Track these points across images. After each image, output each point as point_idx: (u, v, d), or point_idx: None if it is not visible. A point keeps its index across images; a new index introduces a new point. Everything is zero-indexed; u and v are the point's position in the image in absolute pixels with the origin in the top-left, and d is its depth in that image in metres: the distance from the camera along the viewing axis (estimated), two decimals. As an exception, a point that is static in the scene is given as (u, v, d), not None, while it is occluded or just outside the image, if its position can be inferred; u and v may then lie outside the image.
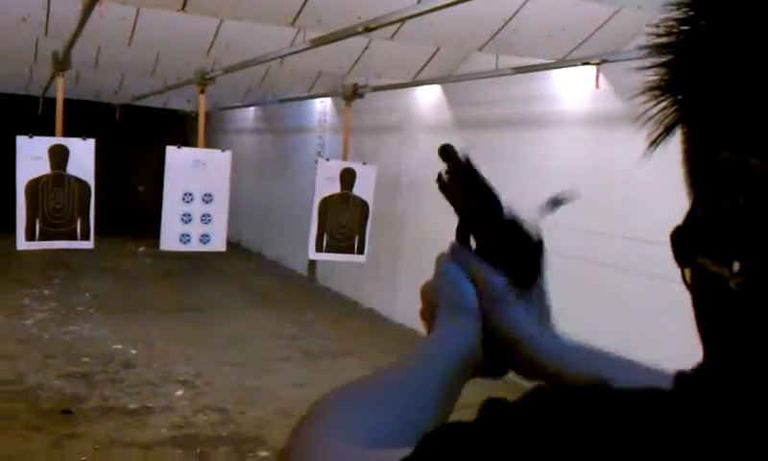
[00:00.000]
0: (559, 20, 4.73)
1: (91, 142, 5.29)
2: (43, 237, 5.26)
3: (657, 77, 0.45)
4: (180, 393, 5.68)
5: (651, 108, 0.45)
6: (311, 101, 10.25)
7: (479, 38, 5.09)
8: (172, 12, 4.99)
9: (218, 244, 5.89)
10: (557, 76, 5.84)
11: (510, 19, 4.64)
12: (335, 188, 6.14)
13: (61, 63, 5.62)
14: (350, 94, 6.50)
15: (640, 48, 0.47)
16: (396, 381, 0.67)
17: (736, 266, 0.40)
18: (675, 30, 0.44)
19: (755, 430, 0.37)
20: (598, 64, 4.95)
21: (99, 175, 5.34)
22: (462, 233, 0.73)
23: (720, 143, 0.41)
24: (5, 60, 7.97)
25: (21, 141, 5.10)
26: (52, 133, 5.26)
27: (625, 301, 5.12)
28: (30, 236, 5.21)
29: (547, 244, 0.70)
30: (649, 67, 0.45)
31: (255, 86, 9.38)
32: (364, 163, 6.31)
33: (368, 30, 4.19)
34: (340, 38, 4.64)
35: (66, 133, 5.27)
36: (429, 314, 0.73)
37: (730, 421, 0.38)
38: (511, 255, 0.69)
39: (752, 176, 0.39)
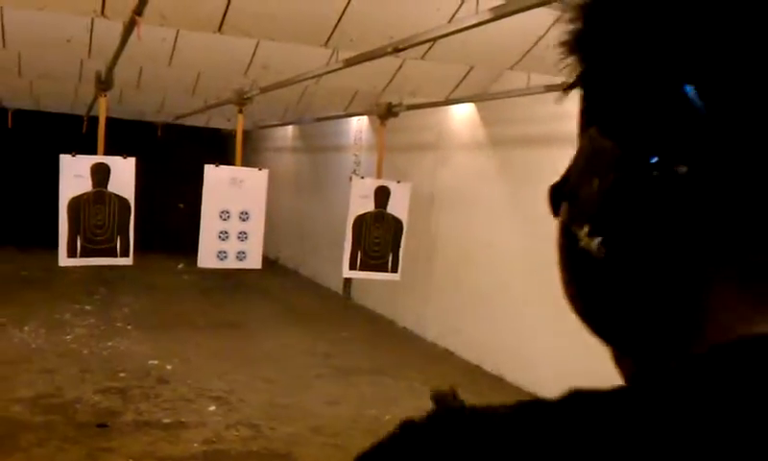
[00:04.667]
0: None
1: (132, 160, 5.41)
2: (84, 254, 5.38)
3: (568, 35, 0.46)
4: (213, 408, 5.74)
5: (564, 58, 0.47)
6: (347, 119, 10.33)
7: (510, 57, 5.09)
8: (210, 34, 5.09)
9: (254, 261, 5.96)
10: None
11: (540, 38, 4.64)
12: (369, 206, 6.18)
13: (104, 83, 5.77)
14: (385, 113, 6.55)
15: (559, 11, 0.48)
16: None
17: (586, 229, 0.44)
18: None
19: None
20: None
21: (140, 192, 5.45)
22: None
23: (594, 119, 0.45)
24: (51, 79, 8.20)
25: (64, 160, 5.23)
26: (96, 152, 5.40)
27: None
28: (71, 253, 5.33)
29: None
30: (566, 27, 0.47)
31: (293, 106, 9.50)
32: (398, 181, 6.34)
33: (397, 50, 4.23)
34: (371, 59, 4.69)
35: (110, 152, 5.39)
36: None
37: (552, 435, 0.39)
38: None
39: (605, 156, 0.43)
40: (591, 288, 0.46)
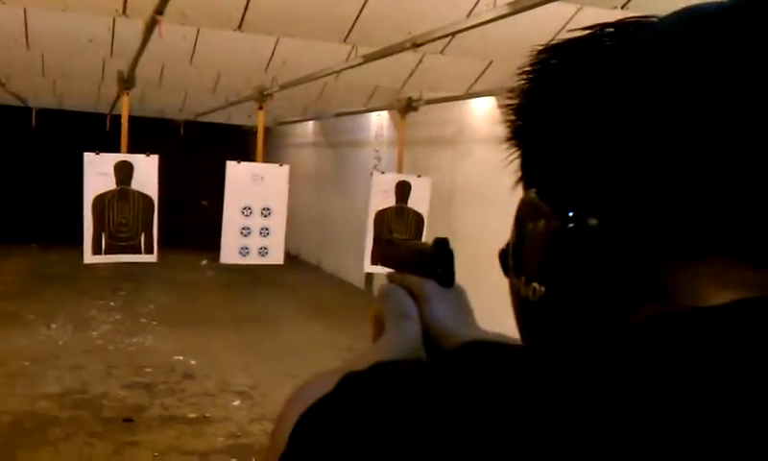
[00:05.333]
0: (610, 31, 4.67)
1: (155, 158, 5.46)
2: (109, 251, 5.44)
3: (507, 131, 0.58)
4: (237, 403, 5.80)
5: (510, 154, 0.58)
6: (367, 115, 10.34)
7: (529, 51, 5.08)
8: (230, 32, 5.12)
9: (276, 257, 6.00)
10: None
11: (560, 31, 4.63)
12: (390, 201, 6.19)
13: (126, 82, 5.83)
14: (405, 108, 6.56)
15: (499, 107, 0.57)
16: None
17: (523, 279, 0.53)
18: (517, 95, 0.57)
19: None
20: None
21: (163, 190, 5.51)
22: (399, 267, 0.87)
23: (532, 185, 0.55)
24: (74, 79, 8.28)
25: (88, 158, 5.29)
26: (119, 150, 5.46)
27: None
28: (96, 250, 5.39)
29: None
30: (505, 122, 0.58)
31: (313, 102, 9.52)
32: (419, 176, 6.35)
33: (416, 45, 4.24)
34: (389, 54, 4.70)
35: (132, 150, 5.44)
36: (380, 332, 0.82)
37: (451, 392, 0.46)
38: (431, 264, 0.82)
39: (538, 212, 0.52)
40: (532, 329, 0.54)
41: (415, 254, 0.86)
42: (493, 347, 0.49)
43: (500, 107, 0.59)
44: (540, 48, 0.57)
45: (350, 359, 0.76)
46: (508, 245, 0.57)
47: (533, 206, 0.53)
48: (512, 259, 0.56)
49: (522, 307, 0.55)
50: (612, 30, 0.53)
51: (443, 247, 0.83)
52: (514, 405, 0.43)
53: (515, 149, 0.58)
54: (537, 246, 0.52)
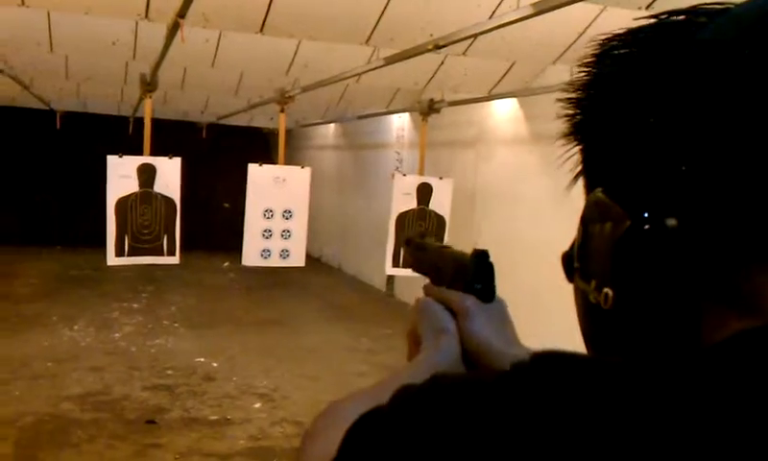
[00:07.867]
0: (635, 31, 4.63)
1: (177, 161, 5.47)
2: (131, 253, 5.45)
3: (567, 126, 0.55)
4: (258, 405, 5.79)
5: (566, 152, 0.55)
6: (389, 117, 10.33)
7: (553, 52, 5.04)
8: (252, 34, 5.13)
9: (297, 259, 5.99)
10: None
11: (583, 32, 4.58)
12: (412, 203, 6.16)
13: (149, 85, 5.84)
14: (427, 109, 6.53)
15: (558, 100, 0.57)
16: (392, 387, 0.72)
17: (593, 284, 0.50)
18: (578, 88, 0.54)
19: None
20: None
21: (185, 192, 5.51)
22: (434, 278, 0.84)
23: (598, 184, 0.52)
24: (98, 82, 8.34)
25: (111, 160, 5.31)
26: (142, 152, 5.48)
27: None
28: (119, 252, 5.40)
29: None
30: (563, 117, 0.55)
31: (334, 104, 9.52)
32: (440, 178, 6.31)
33: (438, 47, 4.21)
34: (411, 56, 4.68)
35: (155, 152, 5.45)
36: (417, 349, 0.80)
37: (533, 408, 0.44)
38: (470, 278, 0.79)
39: (612, 214, 0.49)
40: (602, 336, 0.51)
41: (452, 264, 0.82)
42: (570, 359, 0.46)
43: (558, 101, 0.56)
44: (604, 38, 0.54)
45: (385, 378, 0.74)
46: (572, 247, 0.55)
47: (602, 206, 0.50)
48: (578, 262, 0.53)
49: (591, 313, 0.52)
50: (682, 17, 0.50)
51: (482, 260, 0.79)
52: (607, 426, 0.41)
53: (574, 145, 0.55)
54: (607, 249, 0.49)
